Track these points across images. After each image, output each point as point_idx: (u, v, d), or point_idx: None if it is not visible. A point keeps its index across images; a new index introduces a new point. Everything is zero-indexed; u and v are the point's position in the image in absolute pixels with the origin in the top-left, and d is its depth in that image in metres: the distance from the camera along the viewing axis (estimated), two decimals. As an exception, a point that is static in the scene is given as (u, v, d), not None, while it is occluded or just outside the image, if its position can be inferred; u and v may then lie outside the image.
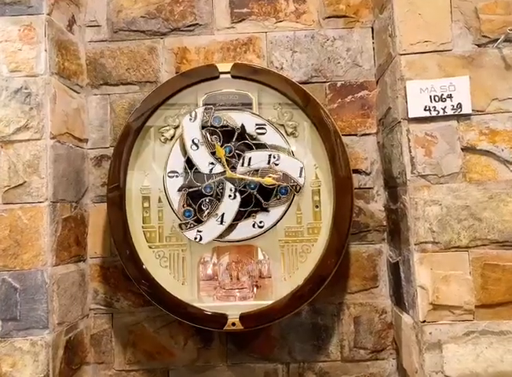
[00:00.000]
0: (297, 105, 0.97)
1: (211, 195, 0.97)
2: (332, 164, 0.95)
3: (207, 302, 0.98)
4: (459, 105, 0.88)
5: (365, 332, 1.06)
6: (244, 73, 0.96)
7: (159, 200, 0.99)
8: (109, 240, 1.07)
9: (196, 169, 0.98)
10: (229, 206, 0.97)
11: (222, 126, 0.98)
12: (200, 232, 0.97)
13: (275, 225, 0.98)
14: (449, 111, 0.88)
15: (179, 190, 0.98)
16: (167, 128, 1.00)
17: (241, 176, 0.96)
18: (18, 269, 0.89)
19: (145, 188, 1.00)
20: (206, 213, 0.97)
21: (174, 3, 1.11)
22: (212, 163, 0.97)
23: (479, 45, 0.89)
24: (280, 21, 1.10)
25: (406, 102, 0.89)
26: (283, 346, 1.06)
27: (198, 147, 0.98)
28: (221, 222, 0.97)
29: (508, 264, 0.85)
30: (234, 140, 0.98)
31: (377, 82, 1.09)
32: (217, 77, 0.97)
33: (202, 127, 0.98)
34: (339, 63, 1.10)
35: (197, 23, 1.11)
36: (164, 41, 1.11)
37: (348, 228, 0.94)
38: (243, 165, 0.97)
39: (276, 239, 0.98)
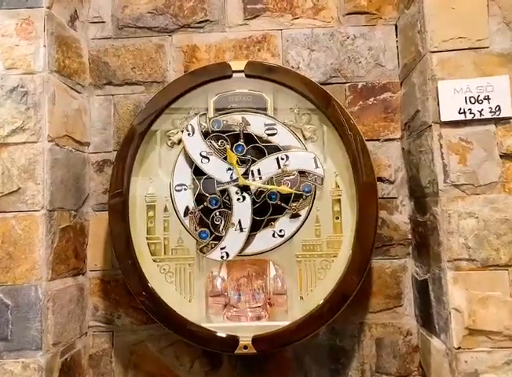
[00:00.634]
0: (316, 107, 0.89)
1: (219, 207, 0.89)
2: (355, 171, 0.86)
3: (216, 322, 0.89)
4: (498, 108, 0.79)
5: (388, 356, 0.97)
6: (259, 72, 0.88)
7: (165, 209, 0.91)
8: (111, 252, 0.99)
9: (206, 178, 0.90)
10: (242, 210, 0.89)
11: (224, 131, 0.90)
12: (224, 248, 0.89)
13: (298, 230, 0.89)
14: (486, 114, 0.79)
15: (186, 214, 0.90)
16: (175, 131, 0.92)
17: (255, 183, 0.88)
18: (10, 284, 0.82)
19: (150, 195, 0.92)
20: (222, 227, 0.89)
21: (184, -2, 1.04)
22: (230, 169, 0.89)
23: (520, 42, 0.80)
24: (297, 18, 1.03)
25: (438, 104, 0.81)
26: (298, 370, 0.97)
27: (209, 159, 0.90)
28: (241, 230, 0.88)
29: (554, 285, 0.76)
30: (242, 141, 0.90)
31: (401, 84, 1.01)
32: (230, 76, 0.89)
33: (205, 136, 0.90)
34: (360, 62, 1.02)
35: (208, 20, 1.03)
36: (172, 38, 1.04)
37: (372, 242, 0.85)
38: (254, 179, 0.88)
39: (292, 253, 0.90)
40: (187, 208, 0.90)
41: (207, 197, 0.89)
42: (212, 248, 0.89)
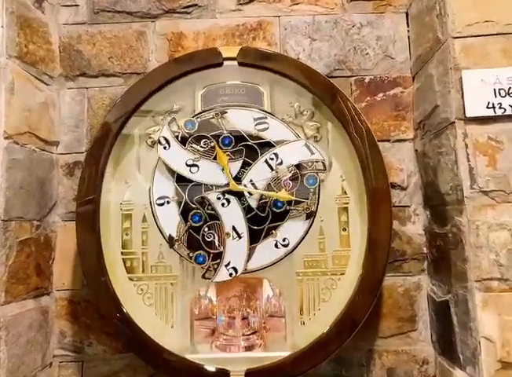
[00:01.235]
0: (320, 101, 0.77)
1: (205, 221, 0.76)
2: (364, 175, 0.74)
3: (203, 353, 0.76)
4: (532, 102, 0.68)
5: (401, 388, 0.84)
6: (254, 59, 0.76)
7: (144, 219, 0.78)
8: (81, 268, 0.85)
9: (193, 186, 0.77)
10: (231, 214, 0.76)
11: (203, 129, 0.78)
12: (228, 264, 0.76)
13: (303, 237, 0.76)
14: (519, 109, 0.68)
15: (172, 244, 0.77)
16: (156, 129, 0.79)
17: (249, 189, 0.76)
18: (-47, 310, 0.68)
19: (126, 203, 0.79)
20: (217, 242, 0.76)
21: (169, -20, 0.92)
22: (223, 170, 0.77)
23: (555, 26, 0.70)
24: (296, 3, 0.92)
25: (462, 97, 0.70)
26: (298, 406, 0.83)
27: (198, 166, 0.77)
28: (239, 236, 0.76)
29: None
30: (226, 132, 0.78)
31: (413, 78, 0.89)
32: (221, 64, 0.77)
33: (184, 143, 0.77)
34: (367, 54, 0.91)
35: (196, 4, 0.91)
36: (156, 24, 0.91)
37: (386, 257, 0.73)
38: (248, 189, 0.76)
39: (291, 270, 0.77)
40: (170, 237, 0.76)
41: (191, 212, 0.76)
42: (215, 269, 0.76)
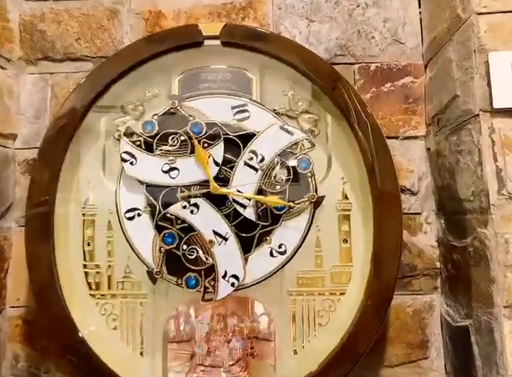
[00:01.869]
0: (319, 89, 0.65)
1: (180, 239, 0.64)
2: (371, 177, 0.63)
3: (176, 387, 0.64)
4: None
5: (410, 426, 0.72)
6: (240, 38, 0.64)
7: (109, 227, 0.66)
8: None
9: (168, 191, 0.65)
10: (207, 218, 0.64)
11: (167, 126, 0.66)
12: (226, 275, 0.63)
13: (303, 241, 0.65)
14: (558, 100, 0.57)
15: (152, 278, 0.65)
16: (125, 119, 0.68)
17: (234, 192, 0.64)
18: None
19: (89, 207, 0.67)
20: (202, 255, 0.64)
21: (146, -49, 0.80)
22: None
23: None
24: (292, -21, 0.80)
25: (488, 85, 0.58)
26: None
27: (178, 169, 0.64)
28: (225, 239, 0.64)
29: None
30: (193, 119, 0.66)
31: (426, 66, 0.78)
32: (201, 43, 0.65)
33: (151, 150, 0.65)
34: (373, 38, 0.79)
35: (177, -21, 0.80)
36: (130, 2, 0.80)
37: (395, 274, 0.61)
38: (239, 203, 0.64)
39: (282, 289, 0.65)
40: (149, 273, 0.64)
41: (163, 232, 0.64)
42: (213, 286, 0.63)
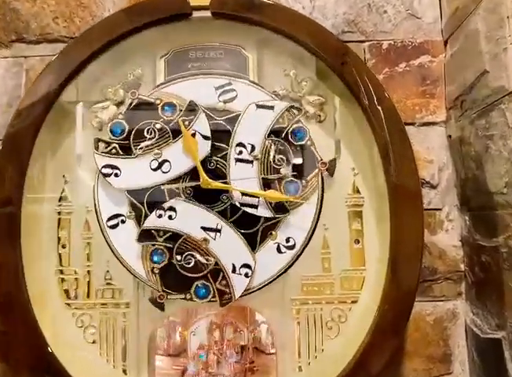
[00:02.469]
0: (327, 66, 0.56)
1: (170, 250, 0.56)
2: (386, 168, 0.54)
3: (164, 411, 0.56)
4: None
5: None
6: (234, 9, 0.55)
7: (87, 227, 0.58)
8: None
9: (153, 191, 0.56)
10: (190, 217, 0.55)
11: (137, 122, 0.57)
12: (235, 268, 0.55)
13: (312, 234, 0.56)
14: None
15: (162, 308, 0.56)
16: (104, 105, 0.59)
17: (225, 185, 0.55)
18: None
19: (64, 204, 0.59)
20: (201, 260, 0.55)
21: None
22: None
23: None
24: None
25: (525, 56, 0.49)
26: None
27: (168, 161, 0.56)
28: (218, 231, 0.55)
29: None
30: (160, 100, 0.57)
31: (445, 43, 0.69)
32: (189, 15, 0.56)
33: (128, 151, 0.56)
34: (386, 12, 0.70)
35: (165, -51, 0.71)
36: (113, -24, 0.72)
37: (416, 279, 0.53)
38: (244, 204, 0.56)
39: (285, 297, 0.56)
40: (152, 300, 0.56)
41: (150, 252, 0.56)
42: (227, 285, 0.55)
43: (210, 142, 0.55)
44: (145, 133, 0.56)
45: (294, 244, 0.56)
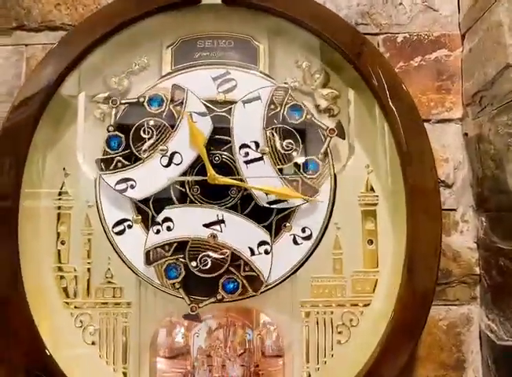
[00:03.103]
0: (340, 54, 0.54)
1: (183, 260, 0.53)
2: (403, 166, 0.51)
3: (165, 417, 0.53)
4: None
5: None
6: (246, -4, 0.53)
7: (87, 222, 0.55)
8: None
9: (159, 193, 0.54)
10: (188, 219, 0.53)
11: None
12: (254, 251, 0.52)
13: (324, 231, 0.54)
14: None
15: (200, 320, 0.55)
16: (107, 95, 0.57)
17: (232, 181, 0.53)
18: None
19: (64, 198, 0.56)
20: (217, 256, 0.52)
21: None
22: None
23: None
24: None
25: (554, 49, 0.47)
26: None
27: (179, 153, 0.54)
28: (222, 222, 0.53)
29: None
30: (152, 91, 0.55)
31: (463, 36, 0.66)
32: (198, 1, 0.54)
33: (134, 160, 0.54)
34: (401, 4, 0.68)
35: None
36: (118, -39, 0.69)
37: (434, 282, 0.50)
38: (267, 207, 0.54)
39: (294, 300, 0.54)
40: (188, 316, 0.54)
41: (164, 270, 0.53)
42: (254, 270, 0.52)
43: (208, 117, 0.53)
44: (142, 135, 0.53)
45: (311, 234, 0.53)
